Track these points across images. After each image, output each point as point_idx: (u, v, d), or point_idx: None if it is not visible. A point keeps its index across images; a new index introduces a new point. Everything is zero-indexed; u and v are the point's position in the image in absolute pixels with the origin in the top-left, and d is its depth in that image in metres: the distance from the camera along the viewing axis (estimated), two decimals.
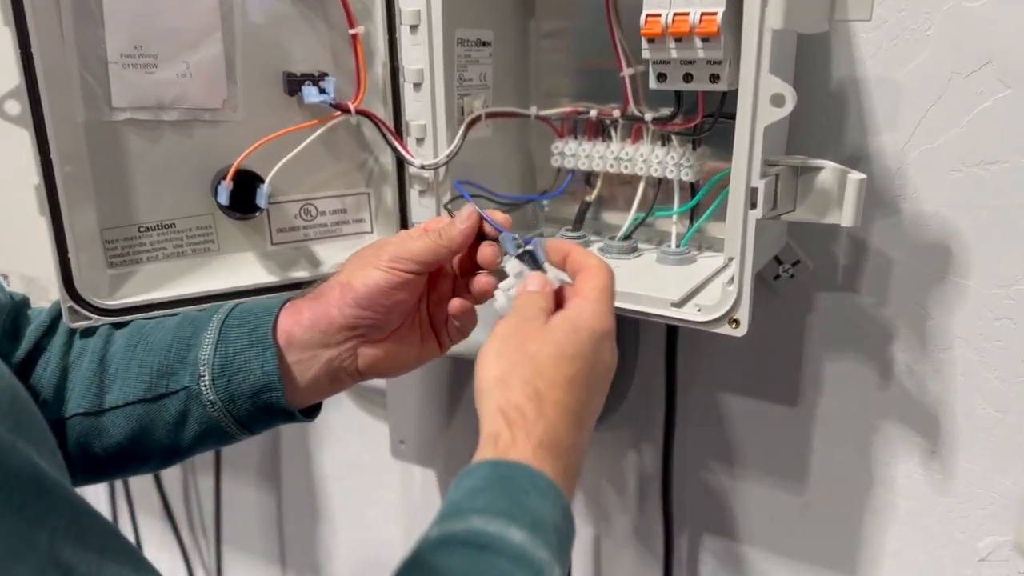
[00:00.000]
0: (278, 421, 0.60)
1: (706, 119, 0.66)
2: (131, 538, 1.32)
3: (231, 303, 0.61)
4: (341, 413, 1.10)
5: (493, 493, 0.42)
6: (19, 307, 0.61)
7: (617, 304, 0.63)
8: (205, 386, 0.56)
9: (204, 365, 0.57)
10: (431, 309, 0.64)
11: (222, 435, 0.58)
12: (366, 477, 1.14)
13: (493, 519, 0.41)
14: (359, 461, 1.13)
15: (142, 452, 0.58)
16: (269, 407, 0.58)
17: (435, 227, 0.60)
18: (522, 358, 0.47)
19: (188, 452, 0.59)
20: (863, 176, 0.56)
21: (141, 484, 1.31)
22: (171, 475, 1.30)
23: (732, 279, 0.58)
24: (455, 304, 0.62)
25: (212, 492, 1.24)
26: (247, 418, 0.58)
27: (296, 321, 0.58)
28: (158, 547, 1.36)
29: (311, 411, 0.62)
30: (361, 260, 0.59)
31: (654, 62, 0.61)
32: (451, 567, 0.40)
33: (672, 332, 0.79)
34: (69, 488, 0.36)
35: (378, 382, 1.02)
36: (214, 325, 0.58)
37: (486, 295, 0.60)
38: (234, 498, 1.26)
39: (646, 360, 0.84)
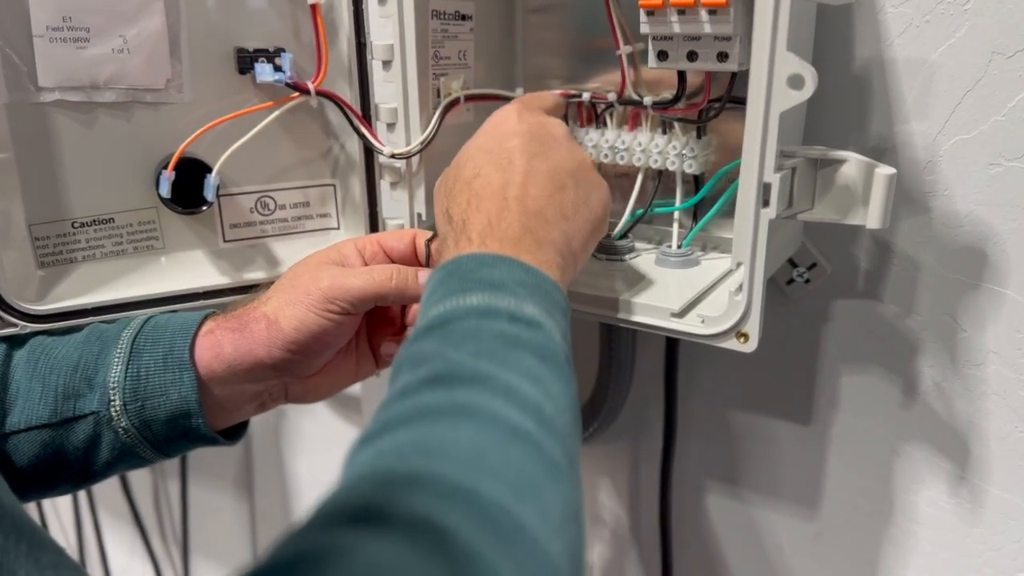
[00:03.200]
0: (199, 445, 0.55)
1: (713, 103, 0.60)
2: (95, 544, 1.27)
3: (142, 317, 0.55)
4: (316, 419, 1.06)
5: (444, 285, 0.43)
6: None
7: (611, 313, 0.57)
8: (116, 411, 0.51)
9: (114, 389, 0.51)
10: (372, 331, 0.60)
11: (137, 459, 0.54)
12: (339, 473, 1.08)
13: (449, 299, 0.41)
14: (334, 468, 1.06)
15: (50, 477, 0.53)
16: (188, 432, 0.53)
17: (381, 261, 0.56)
18: (440, 194, 0.52)
19: (100, 476, 0.54)
20: (892, 171, 0.49)
21: (108, 488, 1.25)
22: (140, 480, 1.25)
23: (740, 287, 0.52)
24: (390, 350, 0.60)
25: (179, 499, 1.18)
26: (164, 442, 0.53)
27: (216, 355, 0.53)
28: (128, 554, 1.31)
29: (235, 432, 0.58)
30: (293, 291, 0.53)
31: (654, 38, 0.55)
32: (423, 350, 0.39)
33: (672, 339, 0.73)
34: (18, 505, 0.37)
35: (353, 388, 0.95)
36: (124, 342, 0.53)
37: None
38: (206, 506, 1.22)
39: (643, 368, 0.78)
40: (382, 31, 0.61)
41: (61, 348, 0.53)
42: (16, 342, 0.54)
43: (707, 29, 0.52)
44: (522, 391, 0.37)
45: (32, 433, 0.51)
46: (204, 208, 0.61)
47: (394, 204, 0.66)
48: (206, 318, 0.54)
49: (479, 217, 0.46)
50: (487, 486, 0.32)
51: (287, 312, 0.52)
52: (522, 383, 0.37)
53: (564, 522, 0.33)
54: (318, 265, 0.54)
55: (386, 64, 0.61)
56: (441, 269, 0.44)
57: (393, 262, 0.57)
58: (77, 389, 0.51)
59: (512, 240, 0.45)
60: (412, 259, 0.57)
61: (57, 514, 1.40)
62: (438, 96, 0.64)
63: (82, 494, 1.29)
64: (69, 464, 0.52)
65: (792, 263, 0.66)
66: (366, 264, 0.56)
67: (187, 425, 0.52)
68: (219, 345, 0.52)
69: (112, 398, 0.51)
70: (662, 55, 0.55)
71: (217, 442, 0.55)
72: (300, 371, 0.54)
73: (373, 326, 0.60)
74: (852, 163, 0.51)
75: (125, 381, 0.51)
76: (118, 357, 0.52)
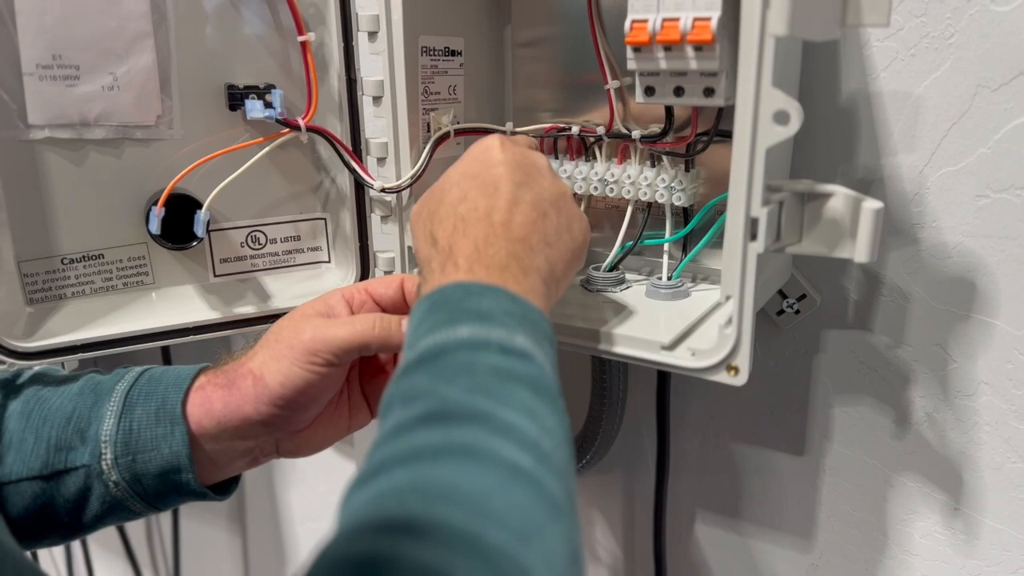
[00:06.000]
0: (189, 500, 0.54)
1: (700, 137, 0.60)
2: None
3: (139, 369, 0.55)
4: None
5: (432, 316, 0.42)
6: None
7: (601, 345, 0.56)
8: (107, 465, 0.51)
9: (106, 442, 0.51)
10: (365, 380, 0.59)
11: (127, 513, 0.53)
12: (334, 519, 1.06)
13: (439, 331, 0.41)
14: (327, 501, 1.07)
15: (39, 529, 0.52)
16: (178, 487, 0.52)
17: (370, 310, 0.55)
18: (421, 218, 0.51)
19: (89, 529, 0.53)
20: (880, 205, 0.49)
21: None
22: None
23: (730, 320, 0.51)
24: None
25: (171, 531, 1.17)
26: (154, 497, 0.52)
27: (207, 412, 0.52)
28: None
29: (226, 487, 0.57)
30: (277, 346, 0.53)
31: (641, 74, 0.55)
32: (414, 385, 0.39)
33: (664, 371, 0.72)
34: (18, 548, 0.38)
35: None
36: (118, 395, 0.52)
37: None
38: (198, 538, 1.20)
39: (635, 400, 0.78)
40: (372, 67, 0.61)
41: (55, 399, 0.52)
42: (12, 391, 0.53)
43: (693, 65, 0.52)
44: (520, 427, 0.36)
45: (23, 484, 0.50)
46: (194, 244, 0.61)
47: (385, 238, 0.66)
48: (200, 372, 0.54)
49: (466, 242, 0.46)
50: (492, 533, 0.31)
51: (272, 367, 0.51)
52: (519, 419, 0.37)
53: (567, 563, 0.33)
54: (302, 318, 0.54)
55: (376, 99, 0.62)
56: (427, 299, 0.44)
57: (383, 309, 0.56)
58: (69, 441, 0.51)
59: (499, 267, 0.45)
60: (401, 305, 0.56)
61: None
62: (428, 130, 0.64)
63: None
64: (59, 516, 0.51)
65: (782, 294, 0.66)
66: (353, 313, 0.55)
67: (177, 480, 0.51)
68: (209, 402, 0.52)
69: (103, 451, 0.50)
70: (649, 90, 0.55)
71: (207, 497, 0.54)
72: (290, 426, 0.53)
73: (366, 375, 0.59)
74: (839, 197, 0.50)
75: (117, 434, 0.51)
76: (111, 410, 0.51)
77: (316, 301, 0.55)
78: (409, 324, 0.44)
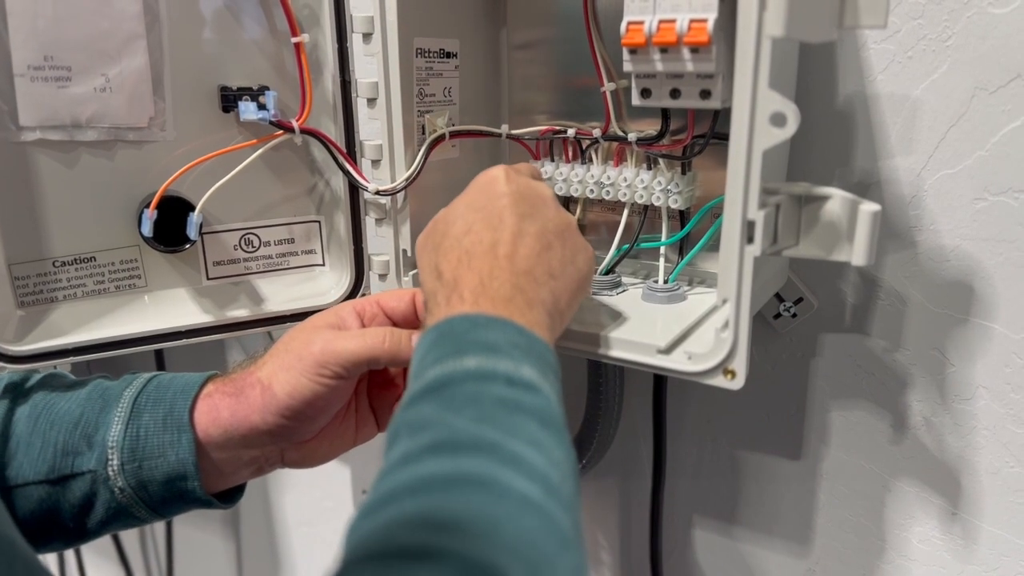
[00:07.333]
0: (193, 507, 0.54)
1: (697, 139, 0.59)
2: None
3: (147, 375, 0.54)
4: None
5: (439, 347, 0.42)
6: None
7: (597, 349, 0.56)
8: (113, 471, 0.50)
9: (113, 448, 0.50)
10: (373, 393, 0.58)
11: (132, 519, 0.52)
12: (328, 524, 1.08)
13: (446, 362, 0.41)
14: (322, 506, 1.07)
15: (43, 534, 0.51)
16: (184, 495, 0.52)
17: (381, 323, 0.55)
18: (426, 250, 0.51)
19: (94, 535, 0.53)
20: (877, 208, 0.49)
21: None
22: None
23: (726, 324, 0.51)
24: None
25: (164, 536, 1.16)
26: (160, 504, 0.52)
27: (214, 420, 0.52)
28: None
29: (231, 495, 0.56)
30: (286, 356, 0.52)
31: (637, 76, 0.54)
32: (422, 415, 0.39)
33: (660, 375, 0.72)
34: (30, 550, 0.38)
35: None
36: (126, 401, 0.52)
37: None
38: (192, 543, 1.20)
39: (631, 404, 0.77)
40: (367, 69, 0.61)
41: (63, 403, 0.52)
42: (20, 395, 0.53)
43: (689, 67, 0.51)
44: (528, 459, 0.36)
45: (29, 488, 0.50)
46: (187, 246, 0.61)
47: (379, 240, 0.65)
48: (208, 380, 0.53)
49: (471, 276, 0.46)
50: (504, 564, 0.31)
51: (280, 377, 0.51)
52: (527, 451, 0.37)
53: None
54: (313, 329, 0.53)
55: (371, 101, 0.61)
56: (433, 330, 0.44)
57: (394, 323, 0.56)
58: (76, 446, 0.50)
59: (504, 300, 0.45)
60: (412, 319, 0.56)
61: None
62: (423, 132, 0.64)
63: None
64: (64, 521, 0.51)
65: (779, 297, 0.66)
66: (364, 326, 0.54)
67: (183, 487, 0.51)
68: (216, 410, 0.52)
69: (110, 457, 0.50)
70: (645, 93, 0.55)
71: (212, 505, 0.54)
72: (296, 437, 0.53)
73: (374, 389, 0.58)
74: (836, 200, 0.50)
75: (124, 440, 0.50)
76: (118, 416, 0.51)
77: (327, 313, 0.55)
78: (415, 354, 0.44)
